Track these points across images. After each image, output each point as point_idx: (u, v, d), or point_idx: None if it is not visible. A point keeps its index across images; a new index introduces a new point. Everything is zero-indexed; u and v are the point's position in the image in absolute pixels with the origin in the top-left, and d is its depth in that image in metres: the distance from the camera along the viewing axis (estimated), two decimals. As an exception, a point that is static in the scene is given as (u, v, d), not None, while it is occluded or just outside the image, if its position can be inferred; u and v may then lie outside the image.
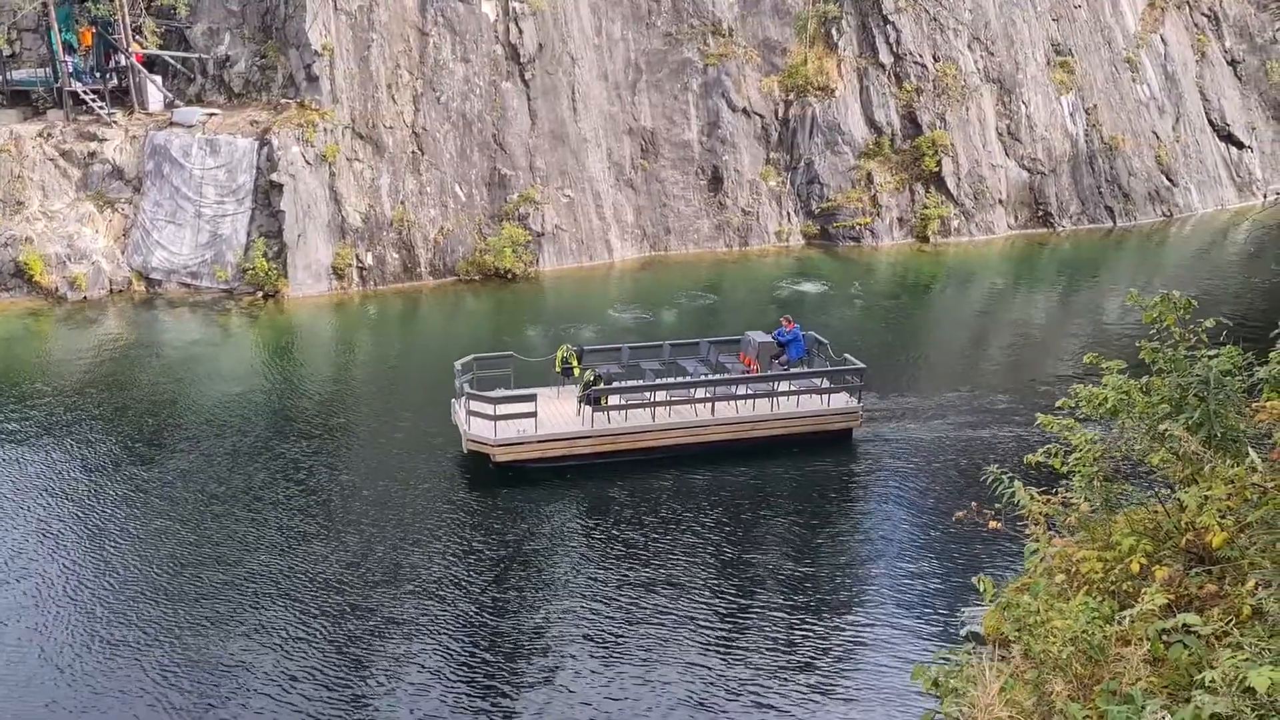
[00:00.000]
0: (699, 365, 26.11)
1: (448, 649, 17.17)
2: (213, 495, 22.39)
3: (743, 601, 18.48)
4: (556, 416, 24.13)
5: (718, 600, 18.50)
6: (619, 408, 23.91)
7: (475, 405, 23.24)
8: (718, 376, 25.03)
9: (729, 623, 17.83)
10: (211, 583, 18.95)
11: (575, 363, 24.77)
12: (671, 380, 25.13)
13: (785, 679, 16.27)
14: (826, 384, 25.10)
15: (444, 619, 17.95)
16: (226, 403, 27.57)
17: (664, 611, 18.15)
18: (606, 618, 18.02)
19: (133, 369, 30.22)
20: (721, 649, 17.09)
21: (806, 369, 25.62)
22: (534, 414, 23.14)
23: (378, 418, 26.78)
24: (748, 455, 24.17)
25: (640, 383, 25.08)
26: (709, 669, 16.58)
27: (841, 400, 24.98)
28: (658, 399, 24.18)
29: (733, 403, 24.56)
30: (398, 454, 24.36)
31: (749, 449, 24.37)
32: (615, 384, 24.50)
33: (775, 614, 18.06)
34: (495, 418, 22.89)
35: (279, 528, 21.05)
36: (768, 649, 17.07)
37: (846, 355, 25.54)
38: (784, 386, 24.81)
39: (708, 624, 17.78)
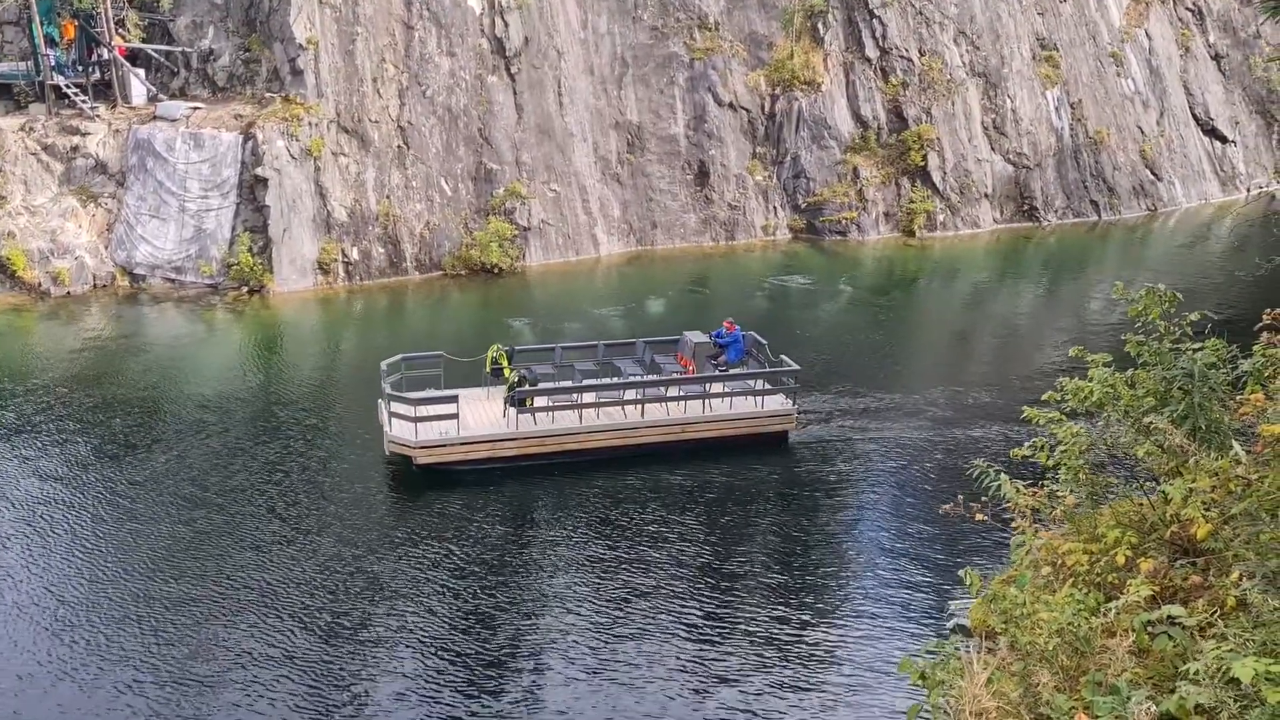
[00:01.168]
0: (634, 366, 25.46)
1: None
2: (185, 497, 22.01)
3: (723, 599, 18.48)
4: (482, 418, 23.58)
5: (697, 601, 18.48)
6: (545, 409, 23.45)
7: (396, 406, 22.73)
8: (646, 378, 24.46)
9: (710, 621, 17.83)
10: (175, 589, 18.55)
11: (505, 363, 24.05)
12: (598, 382, 24.50)
13: (772, 673, 16.29)
14: (761, 385, 24.53)
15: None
16: (206, 401, 27.34)
17: (640, 614, 18.15)
18: (595, 633, 18.01)
19: (114, 366, 30.00)
20: (704, 646, 17.09)
21: (741, 370, 25.07)
22: (455, 415, 22.58)
23: (352, 417, 26.33)
24: (686, 457, 23.64)
25: (566, 384, 24.50)
26: (692, 666, 16.58)
27: (776, 402, 24.41)
28: (585, 400, 23.60)
29: (664, 404, 23.96)
30: (366, 456, 23.97)
31: (684, 451, 23.80)
32: (540, 385, 23.94)
33: (757, 610, 18.07)
34: (416, 419, 22.40)
35: (246, 533, 20.60)
36: (752, 645, 17.07)
37: (783, 357, 24.94)
38: (717, 388, 24.19)
39: (688, 623, 17.77)
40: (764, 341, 25.70)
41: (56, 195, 37.64)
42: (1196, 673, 6.34)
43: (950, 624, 10.59)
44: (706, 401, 24.10)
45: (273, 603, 18.20)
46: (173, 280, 37.08)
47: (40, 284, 35.91)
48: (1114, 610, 7.37)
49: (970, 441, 24.04)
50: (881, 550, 20.12)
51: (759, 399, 24.37)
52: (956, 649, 8.27)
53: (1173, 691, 6.43)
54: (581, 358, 26.15)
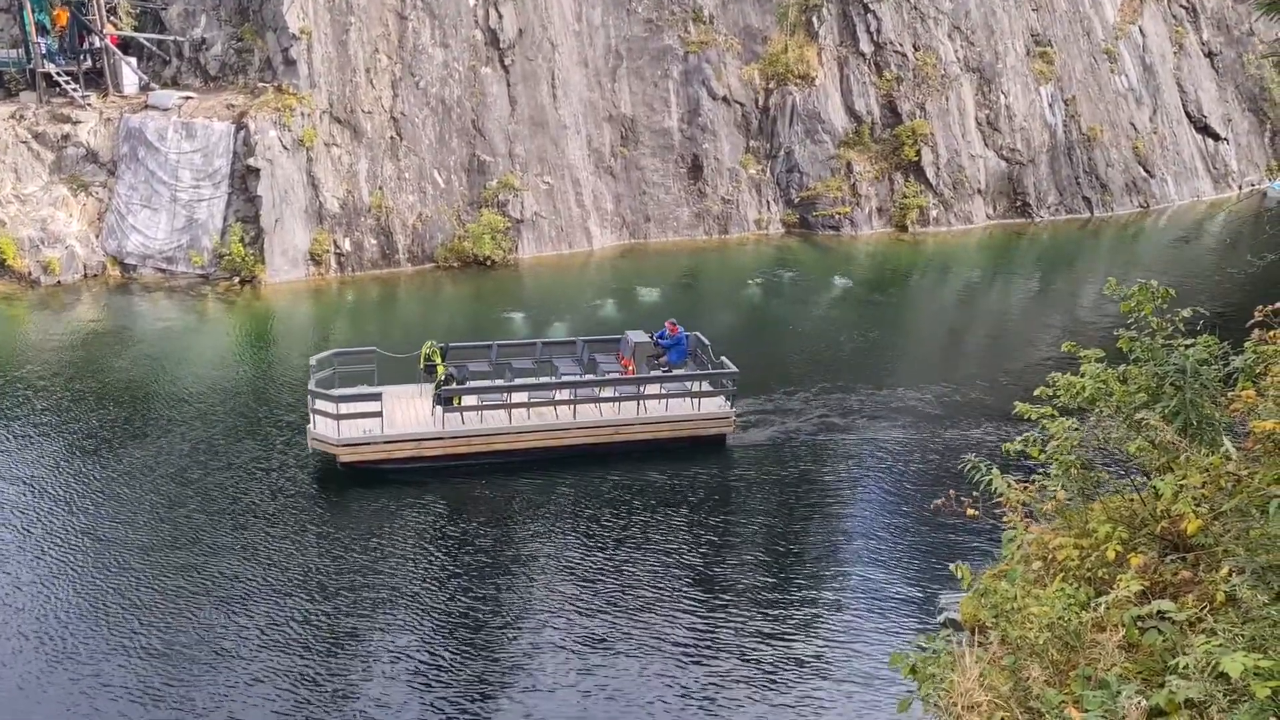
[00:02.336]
0: (572, 365, 24.93)
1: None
2: (165, 494, 21.71)
3: (704, 598, 18.49)
4: (409, 416, 23.12)
5: (670, 602, 18.49)
6: (474, 408, 22.96)
7: (319, 403, 22.34)
8: (576, 378, 24.00)
9: (692, 620, 17.83)
10: (142, 593, 18.18)
11: (439, 360, 23.38)
12: (527, 381, 23.95)
13: (762, 666, 16.31)
14: (698, 387, 23.96)
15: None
16: (189, 394, 27.06)
17: (607, 620, 18.15)
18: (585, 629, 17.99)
19: (102, 357, 29.82)
20: (688, 645, 17.10)
21: (676, 372, 24.47)
22: (379, 413, 22.10)
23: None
24: (622, 459, 23.07)
25: (495, 383, 23.99)
26: (675, 665, 16.59)
27: (714, 405, 23.88)
28: (514, 400, 23.03)
29: (597, 405, 23.45)
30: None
31: (619, 453, 23.27)
32: (467, 383, 23.52)
33: (743, 605, 18.09)
34: (338, 416, 22.00)
35: (219, 534, 20.21)
36: (743, 639, 17.09)
37: (723, 358, 24.36)
38: (652, 389, 23.68)
39: (666, 623, 17.78)
40: (707, 342, 25.15)
41: (47, 184, 37.46)
42: (1186, 667, 6.36)
43: (940, 618, 10.60)
44: (641, 403, 23.56)
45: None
46: (164, 270, 36.94)
47: (30, 273, 35.76)
48: (1104, 605, 7.38)
49: (959, 438, 24.00)
50: (867, 547, 20.12)
51: (696, 401, 23.85)
52: (948, 643, 8.28)
53: (1162, 686, 6.45)
54: (519, 355, 25.56)
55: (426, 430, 22.75)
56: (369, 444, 22.33)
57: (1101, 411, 9.17)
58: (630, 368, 24.89)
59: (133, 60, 40.25)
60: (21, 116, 38.16)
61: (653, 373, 24.53)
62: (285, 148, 37.10)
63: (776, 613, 17.75)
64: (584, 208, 41.24)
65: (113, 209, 37.37)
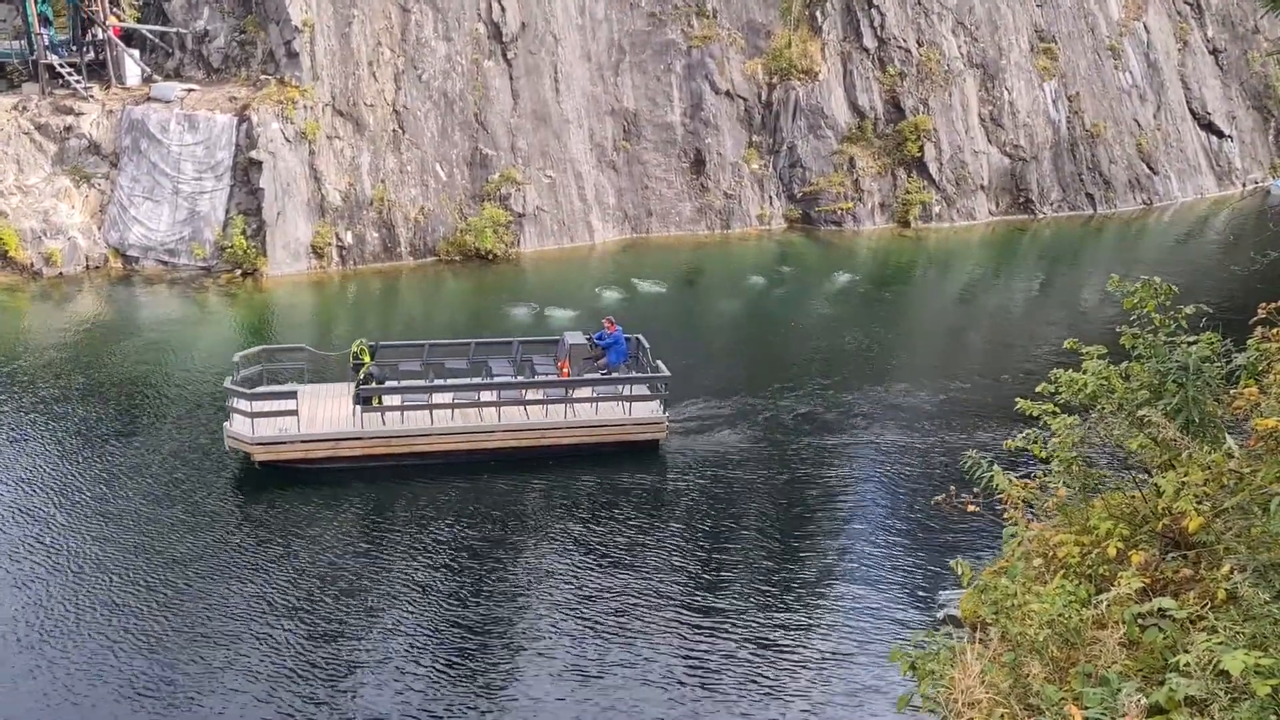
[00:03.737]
0: (506, 366, 24.35)
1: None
2: (152, 494, 21.45)
3: (715, 588, 18.49)
4: (329, 416, 22.59)
5: (683, 591, 18.50)
6: (395, 408, 22.40)
7: (235, 400, 21.97)
8: (502, 379, 23.47)
9: (701, 610, 17.84)
10: (122, 601, 17.67)
11: (367, 359, 22.79)
12: (449, 382, 23.39)
13: (760, 662, 16.30)
14: (628, 391, 23.33)
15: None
16: (191, 388, 26.97)
17: (630, 612, 18.16)
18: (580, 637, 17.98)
19: (102, 349, 29.75)
20: (694, 637, 17.10)
21: (614, 375, 23.86)
22: (295, 412, 21.61)
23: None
24: (553, 462, 22.48)
25: (416, 383, 23.58)
26: (673, 663, 16.59)
27: (646, 410, 23.22)
28: (436, 401, 22.48)
29: (523, 408, 22.74)
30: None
31: (549, 457, 22.61)
32: (387, 383, 23.10)
33: (743, 601, 18.08)
34: (252, 414, 21.59)
35: (204, 536, 19.79)
36: (739, 636, 17.08)
37: (658, 362, 23.75)
38: (583, 393, 23.13)
39: (681, 608, 17.78)
40: (647, 345, 24.60)
41: (49, 175, 37.44)
42: (1186, 665, 6.35)
43: (940, 614, 10.61)
44: (570, 406, 22.95)
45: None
46: (165, 262, 36.93)
47: (33, 264, 35.77)
48: (1105, 602, 7.37)
49: (959, 435, 23.90)
50: (866, 543, 20.07)
51: (627, 405, 23.23)
52: (948, 639, 8.27)
53: (1162, 683, 6.44)
54: (452, 355, 24.98)
55: (344, 430, 22.20)
56: (284, 443, 21.85)
57: (1103, 408, 9.15)
58: (566, 370, 24.23)
59: (135, 52, 40.22)
60: (24, 108, 38.14)
61: (588, 374, 23.92)
62: (287, 140, 37.07)
63: (774, 609, 17.72)
64: (586, 202, 41.19)
65: (115, 201, 37.35)
